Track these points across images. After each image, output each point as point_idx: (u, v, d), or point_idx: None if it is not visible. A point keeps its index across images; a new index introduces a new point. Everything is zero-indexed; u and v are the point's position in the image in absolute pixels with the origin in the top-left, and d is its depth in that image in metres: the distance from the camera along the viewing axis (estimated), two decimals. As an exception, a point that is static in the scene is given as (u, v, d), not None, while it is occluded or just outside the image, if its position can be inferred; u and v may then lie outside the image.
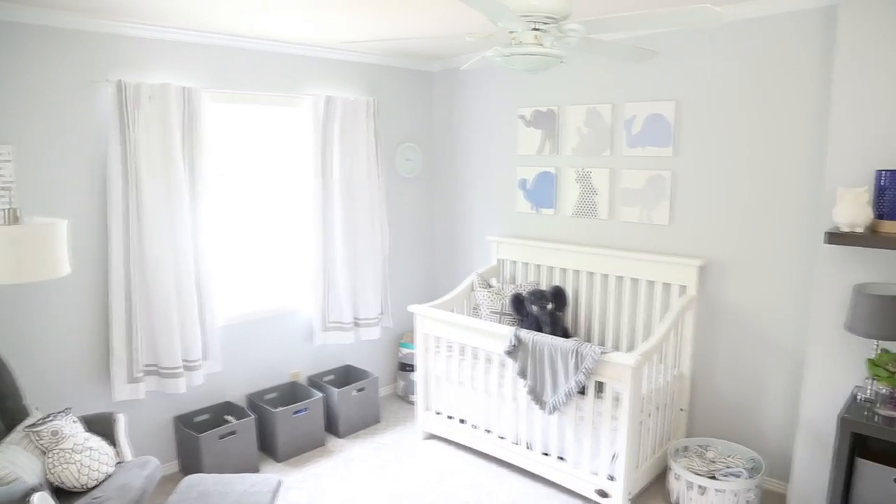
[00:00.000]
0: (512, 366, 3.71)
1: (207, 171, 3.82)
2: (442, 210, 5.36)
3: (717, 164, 3.70)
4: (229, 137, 4.11)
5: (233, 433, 3.84)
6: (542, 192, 4.54)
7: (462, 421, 4.19)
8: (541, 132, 4.49)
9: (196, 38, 3.76)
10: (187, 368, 3.80)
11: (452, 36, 3.02)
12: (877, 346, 2.88)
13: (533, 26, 2.44)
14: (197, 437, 3.68)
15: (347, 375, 4.83)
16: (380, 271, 4.77)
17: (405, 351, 5.05)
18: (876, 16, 2.89)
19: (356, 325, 4.71)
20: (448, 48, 4.55)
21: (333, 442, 4.42)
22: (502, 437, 3.95)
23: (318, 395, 4.31)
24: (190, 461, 3.83)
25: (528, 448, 3.82)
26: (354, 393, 4.50)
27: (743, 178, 3.62)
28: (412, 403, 4.96)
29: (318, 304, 4.50)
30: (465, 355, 4.06)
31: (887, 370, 2.73)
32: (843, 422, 2.75)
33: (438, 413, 4.31)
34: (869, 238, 2.77)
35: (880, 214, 2.84)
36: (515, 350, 3.63)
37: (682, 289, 3.86)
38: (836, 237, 2.84)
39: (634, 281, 4.12)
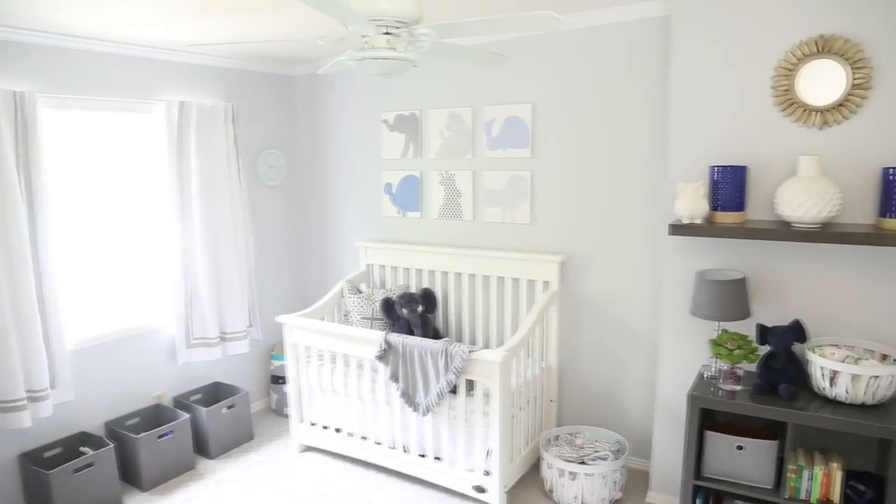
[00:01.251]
0: (384, 370, 3.70)
1: (47, 184, 3.52)
2: (309, 217, 5.26)
3: (571, 164, 3.88)
4: (75, 146, 3.81)
5: (90, 465, 3.56)
6: (408, 195, 4.57)
7: (338, 430, 4.13)
8: (404, 136, 4.52)
9: (27, 37, 3.46)
10: (32, 399, 3.48)
11: (304, 39, 2.96)
12: (718, 327, 3.13)
13: (384, 30, 2.44)
14: (46, 475, 3.38)
15: (216, 393, 4.63)
16: (246, 282, 4.60)
17: (277, 363, 4.91)
18: (704, 25, 3.14)
19: (223, 339, 4.52)
20: (308, 52, 4.47)
21: (204, 464, 4.21)
22: (379, 443, 3.93)
23: (185, 416, 4.10)
24: (40, 502, 3.51)
25: (404, 451, 3.82)
26: (224, 410, 4.31)
27: (596, 177, 3.81)
28: (287, 416, 4.83)
29: (180, 320, 4.28)
30: (336, 363, 4.00)
31: (727, 348, 2.96)
32: (692, 399, 2.95)
33: (313, 424, 4.22)
34: (706, 228, 3.00)
35: (715, 206, 3.08)
36: (386, 354, 3.62)
37: (546, 284, 4.01)
38: (678, 229, 3.06)
39: (500, 279, 4.23)
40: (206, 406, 4.31)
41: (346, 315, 4.56)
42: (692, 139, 3.22)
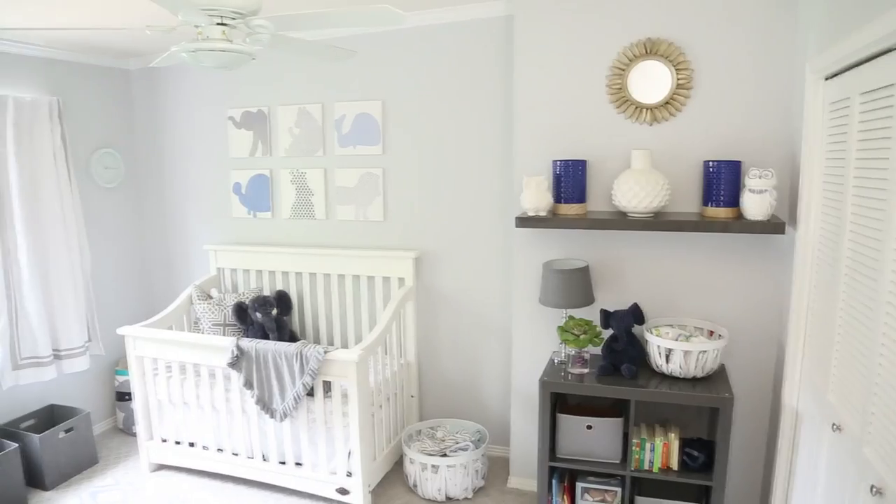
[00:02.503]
0: (237, 378, 3.54)
1: None
2: (153, 220, 4.93)
3: (423, 161, 3.91)
4: None
5: None
6: (258, 195, 4.41)
7: (192, 444, 3.91)
8: (252, 133, 4.35)
9: None
10: None
11: (131, 28, 2.76)
12: (565, 314, 3.27)
13: (218, 21, 2.32)
14: None
15: (52, 416, 4.23)
16: (82, 294, 4.24)
17: (122, 378, 4.57)
18: (544, 25, 3.27)
19: (57, 357, 4.14)
20: (142, 43, 4.19)
21: (38, 497, 3.83)
22: (236, 454, 3.76)
23: (12, 445, 3.70)
24: None
25: (264, 460, 3.69)
26: (62, 435, 3.95)
27: (447, 173, 3.87)
28: (136, 435, 4.51)
29: (3, 339, 3.86)
30: (186, 374, 3.78)
31: (573, 334, 3.11)
32: (543, 384, 3.07)
33: (165, 440, 3.97)
34: (551, 220, 3.13)
35: (559, 199, 3.21)
36: (238, 361, 3.47)
37: (401, 281, 4.02)
38: (524, 221, 3.16)
39: (356, 278, 4.19)
40: (40, 432, 3.93)
41: (196, 322, 4.32)
42: (536, 135, 3.35)
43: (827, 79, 2.53)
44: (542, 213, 3.17)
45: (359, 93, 3.99)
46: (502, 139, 3.69)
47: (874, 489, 1.89)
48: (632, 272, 3.33)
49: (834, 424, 2.22)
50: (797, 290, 2.74)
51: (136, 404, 3.93)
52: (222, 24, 2.33)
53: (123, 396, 4.58)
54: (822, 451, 2.40)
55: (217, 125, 4.50)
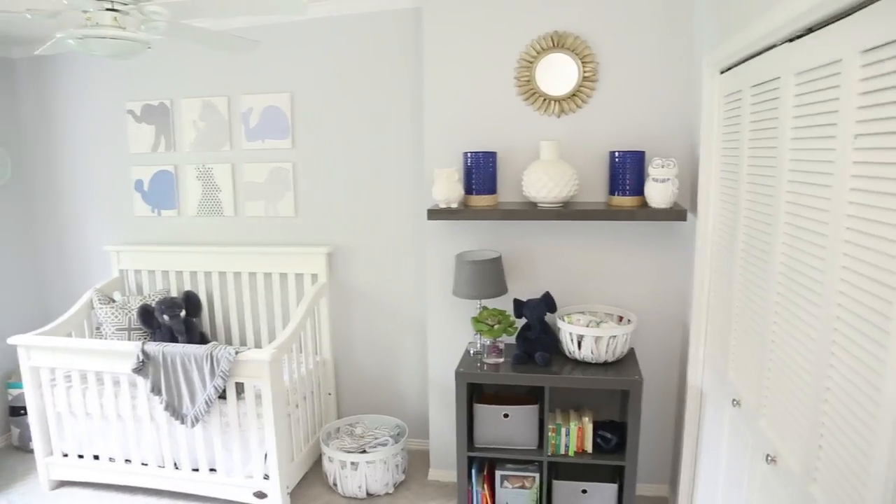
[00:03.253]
0: (144, 384, 3.38)
1: None
2: (46, 221, 4.63)
3: (334, 154, 3.84)
4: None
5: None
6: (162, 192, 4.22)
7: (96, 457, 3.70)
8: (154, 128, 4.16)
9: None
10: None
11: (9, 11, 2.57)
12: (479, 305, 3.30)
13: (108, 6, 2.20)
14: None
15: (-63, 435, 3.92)
16: (-33, 302, 3.94)
17: (16, 392, 4.27)
18: (453, 18, 3.27)
19: (-59, 371, 3.84)
20: (28, 30, 3.92)
21: (-77, 521, 3.55)
22: (145, 464, 3.60)
23: None
24: None
25: (176, 468, 3.54)
26: (-52, 454, 3.67)
27: (359, 166, 3.82)
28: (33, 451, 4.23)
29: None
30: (88, 383, 3.58)
31: (488, 324, 3.13)
32: (459, 375, 3.08)
33: (66, 455, 3.74)
34: (462, 212, 3.14)
35: (470, 190, 3.23)
36: (145, 366, 3.31)
37: (314, 277, 3.94)
38: (435, 213, 3.16)
39: (267, 275, 4.08)
40: (-78, 452, 3.63)
41: (98, 328, 4.10)
42: (446, 127, 3.35)
43: (722, 72, 2.64)
44: (454, 205, 3.17)
45: (266, 85, 3.88)
46: (413, 131, 3.68)
47: (769, 457, 2.00)
48: (543, 261, 3.38)
49: (734, 400, 2.33)
50: (698, 275, 2.86)
51: (32, 418, 3.69)
52: (113, 10, 2.21)
53: (18, 411, 4.29)
54: (724, 425, 2.51)
55: (115, 119, 4.27)
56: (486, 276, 3.12)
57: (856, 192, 1.53)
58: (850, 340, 1.46)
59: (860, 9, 1.46)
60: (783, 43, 1.94)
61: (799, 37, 1.85)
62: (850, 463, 1.43)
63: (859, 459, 1.39)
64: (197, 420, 3.31)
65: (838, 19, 1.59)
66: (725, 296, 2.55)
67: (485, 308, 3.22)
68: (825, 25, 1.67)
